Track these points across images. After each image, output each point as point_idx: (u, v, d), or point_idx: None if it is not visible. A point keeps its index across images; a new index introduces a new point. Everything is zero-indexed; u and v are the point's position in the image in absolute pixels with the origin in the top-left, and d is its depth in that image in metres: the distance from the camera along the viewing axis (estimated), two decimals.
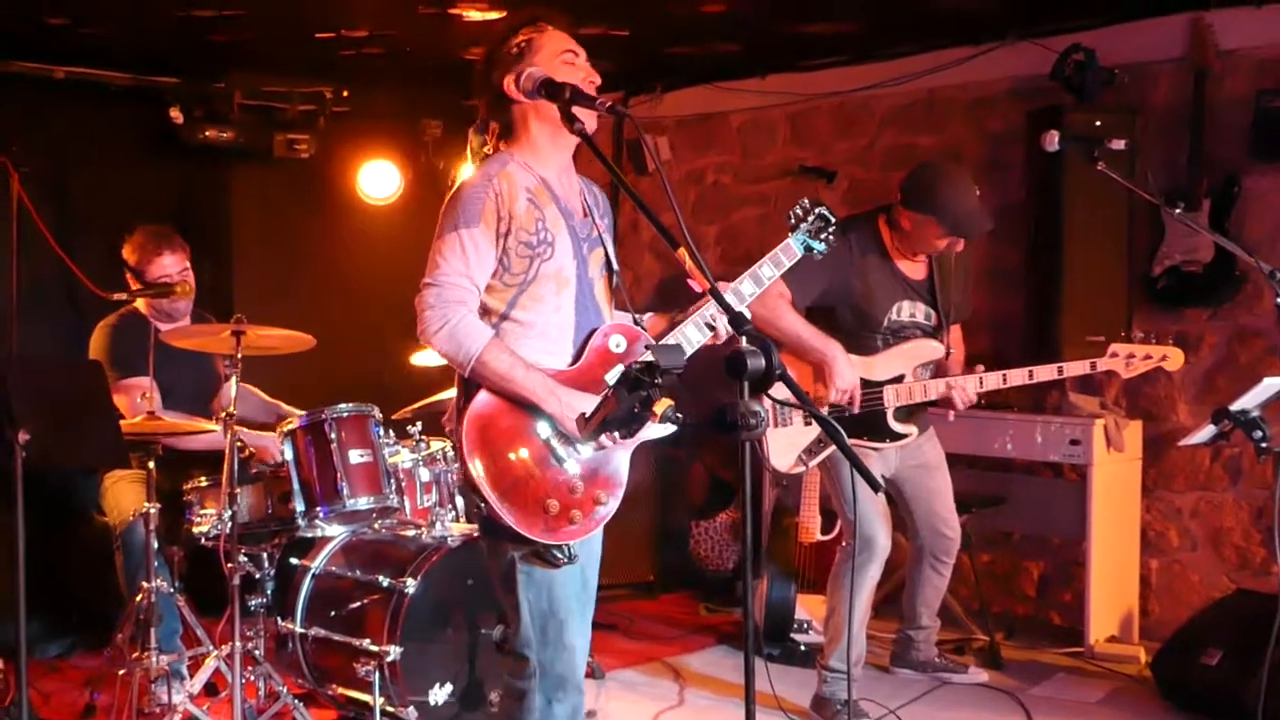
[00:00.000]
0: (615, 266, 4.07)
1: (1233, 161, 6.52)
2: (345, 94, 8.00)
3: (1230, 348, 6.69)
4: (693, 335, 3.95)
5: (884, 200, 5.81)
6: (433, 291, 3.80)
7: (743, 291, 4.09)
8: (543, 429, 3.76)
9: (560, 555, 3.78)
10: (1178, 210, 6.07)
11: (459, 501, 5.89)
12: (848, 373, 5.47)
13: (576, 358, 3.89)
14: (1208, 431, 4.74)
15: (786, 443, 5.54)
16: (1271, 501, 6.29)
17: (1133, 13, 6.72)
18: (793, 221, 4.28)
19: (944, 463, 5.98)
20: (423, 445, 5.85)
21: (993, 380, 5.57)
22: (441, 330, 3.77)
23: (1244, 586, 6.43)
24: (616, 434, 3.69)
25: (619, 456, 3.88)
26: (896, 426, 5.64)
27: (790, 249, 4.24)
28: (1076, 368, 5.57)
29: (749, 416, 3.03)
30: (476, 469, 3.70)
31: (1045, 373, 5.57)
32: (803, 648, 6.57)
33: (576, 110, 3.70)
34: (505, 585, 3.89)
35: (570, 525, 3.77)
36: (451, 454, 5.92)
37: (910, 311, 5.70)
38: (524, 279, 3.84)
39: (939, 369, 5.71)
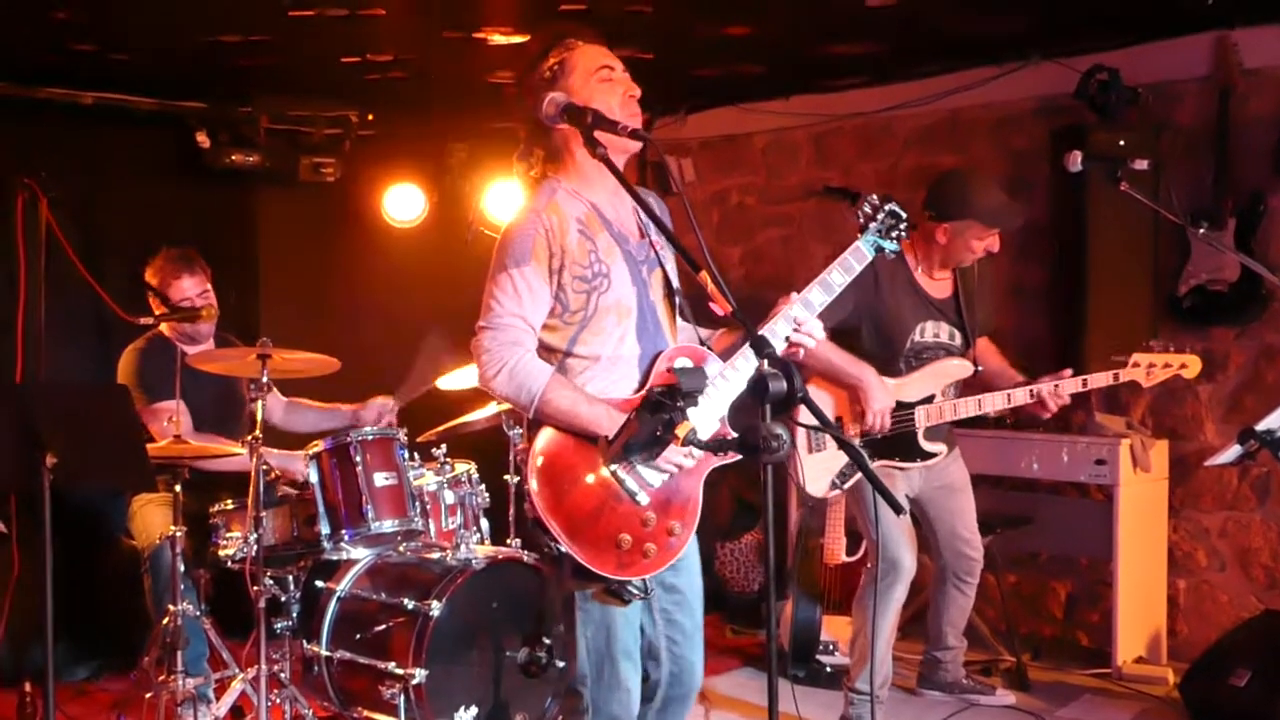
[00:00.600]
0: (676, 284, 3.99)
1: (1258, 180, 6.50)
2: (370, 118, 8.02)
3: (1257, 366, 6.67)
4: None
5: None
6: (488, 335, 3.76)
7: (812, 300, 3.95)
8: (612, 462, 3.70)
9: (636, 590, 3.75)
10: (1202, 229, 6.06)
11: (484, 524, 5.90)
12: (882, 396, 5.48)
13: (642, 384, 3.82)
14: (1234, 451, 4.73)
15: (820, 468, 5.55)
16: None
17: (1156, 32, 6.71)
18: (861, 221, 4.17)
19: (969, 484, 5.97)
20: (447, 468, 5.85)
21: (1021, 396, 5.56)
22: (500, 373, 3.73)
23: (1272, 607, 6.40)
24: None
25: (690, 484, 3.81)
26: (927, 446, 5.64)
27: (860, 252, 4.12)
28: (1100, 379, 5.55)
29: (771, 439, 3.03)
30: (545, 508, 3.65)
31: (1070, 385, 5.55)
32: (828, 669, 6.55)
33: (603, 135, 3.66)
34: (565, 619, 3.87)
35: (644, 559, 3.72)
36: (476, 476, 5.94)
37: (934, 332, 5.70)
38: (584, 315, 3.79)
39: (966, 387, 5.71)
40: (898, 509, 3.38)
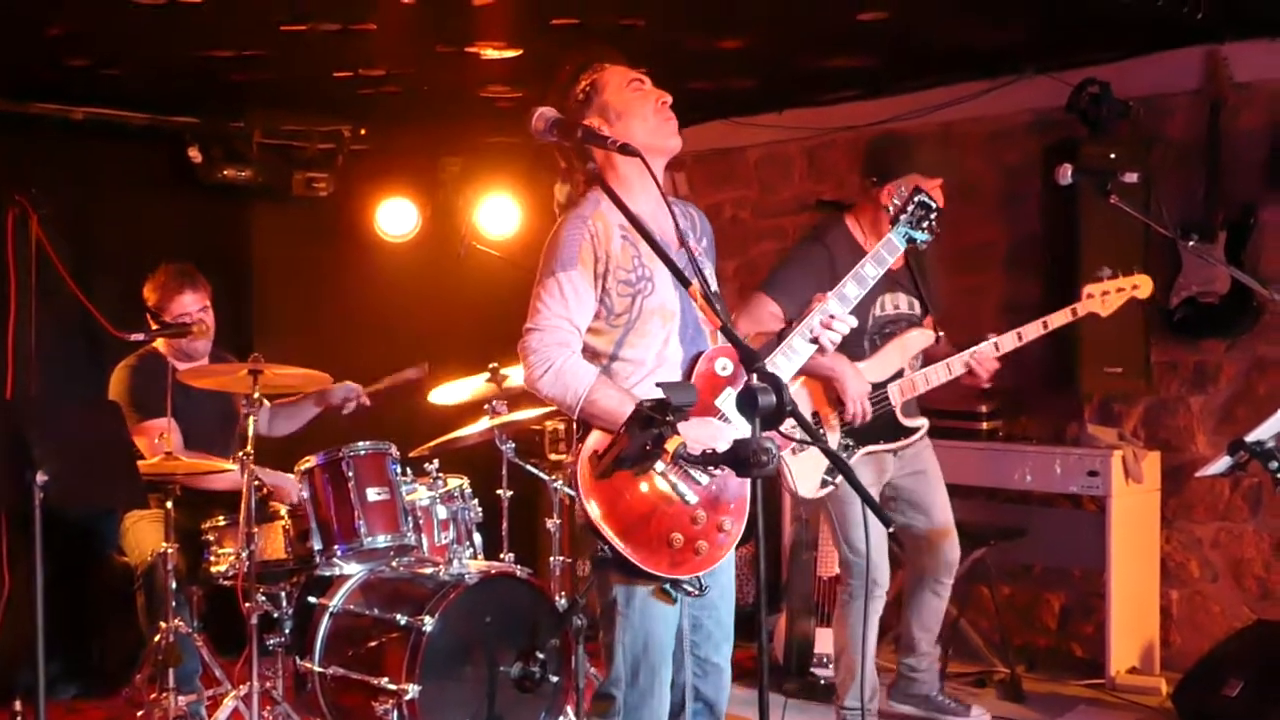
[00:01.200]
0: (714, 288, 4.00)
1: (1248, 193, 6.51)
2: (363, 132, 8.03)
3: (1248, 378, 6.67)
4: (800, 346, 3.92)
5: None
6: (535, 336, 3.83)
7: (847, 295, 4.01)
8: (658, 463, 3.73)
9: (692, 587, 3.81)
10: (1193, 242, 6.06)
11: (477, 538, 5.89)
12: (858, 383, 5.41)
13: None
14: (1223, 463, 4.73)
15: (808, 466, 5.46)
16: None
17: (1148, 46, 6.72)
18: (891, 213, 4.21)
19: (940, 472, 5.85)
20: (440, 483, 5.84)
21: (988, 349, 5.49)
22: (547, 374, 3.79)
23: (1265, 617, 6.41)
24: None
25: (739, 480, 3.86)
26: (907, 422, 5.58)
27: (892, 244, 4.15)
28: (1060, 317, 5.48)
29: (761, 453, 3.04)
30: (596, 511, 3.70)
31: (1032, 330, 5.50)
32: (823, 682, 6.54)
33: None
34: (605, 623, 3.93)
35: (696, 556, 3.79)
36: (469, 490, 5.93)
37: (894, 303, 5.63)
38: (629, 318, 3.87)
39: (928, 357, 5.64)
40: (887, 522, 3.39)
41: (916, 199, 4.21)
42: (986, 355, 5.50)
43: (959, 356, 5.51)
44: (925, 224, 4.22)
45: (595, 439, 3.78)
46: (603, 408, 3.76)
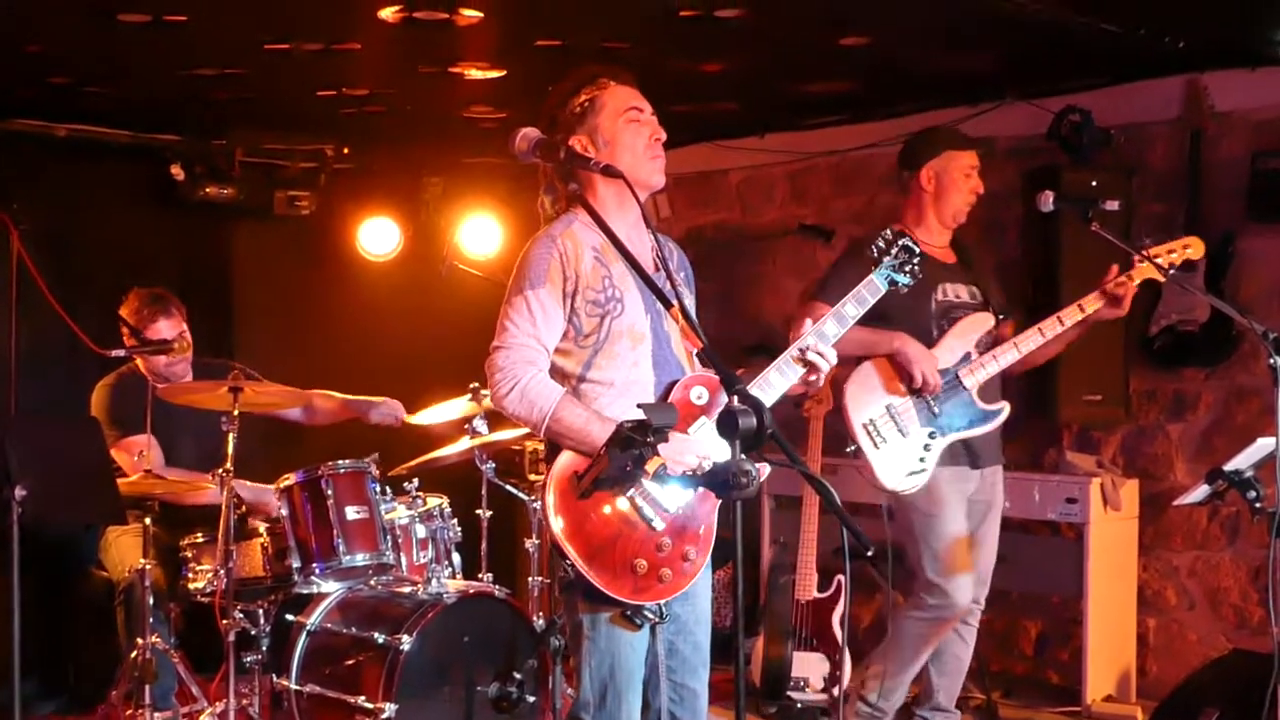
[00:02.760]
0: (693, 318, 3.96)
1: (1228, 222, 6.53)
2: (346, 151, 8.02)
3: (1227, 407, 6.69)
4: (775, 380, 3.91)
5: None
6: (502, 354, 3.81)
7: (825, 332, 3.98)
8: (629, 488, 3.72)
9: (651, 614, 3.79)
10: (1172, 270, 6.08)
11: (455, 558, 5.89)
12: (923, 353, 5.33)
13: None
14: (1202, 491, 4.75)
15: (892, 459, 5.36)
16: (1267, 561, 6.28)
17: (1129, 75, 6.75)
18: (875, 255, 4.20)
19: (1000, 511, 5.77)
20: (419, 502, 5.85)
21: (1051, 324, 5.43)
22: (512, 392, 3.78)
23: (1241, 646, 6.40)
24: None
25: (705, 510, 3.84)
26: (988, 406, 5.48)
27: (874, 285, 4.14)
28: (1145, 271, 5.41)
29: (740, 475, 3.04)
30: (561, 532, 3.69)
31: (1091, 302, 5.42)
32: (799, 705, 6.53)
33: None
34: (573, 646, 3.91)
35: (659, 584, 3.76)
36: (448, 510, 5.93)
37: (954, 292, 5.58)
38: (597, 338, 3.84)
39: (995, 341, 5.57)
40: (866, 546, 3.39)
41: (900, 243, 4.20)
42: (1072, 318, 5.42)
43: (1032, 329, 5.43)
44: (908, 268, 4.21)
45: (567, 459, 3.76)
46: (568, 426, 3.74)
